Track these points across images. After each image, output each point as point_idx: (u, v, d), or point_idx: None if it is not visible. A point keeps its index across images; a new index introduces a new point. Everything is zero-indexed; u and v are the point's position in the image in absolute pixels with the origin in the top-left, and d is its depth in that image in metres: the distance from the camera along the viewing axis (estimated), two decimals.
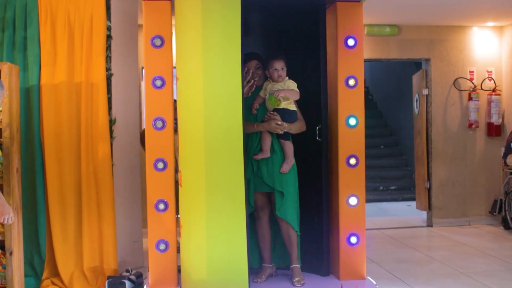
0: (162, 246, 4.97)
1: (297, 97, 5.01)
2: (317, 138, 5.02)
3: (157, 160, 4.93)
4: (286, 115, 4.99)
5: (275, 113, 4.98)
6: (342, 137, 5.06)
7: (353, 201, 5.11)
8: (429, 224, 8.85)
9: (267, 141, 5.00)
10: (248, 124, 5.01)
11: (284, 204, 4.95)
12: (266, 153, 4.98)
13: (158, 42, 4.92)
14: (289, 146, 5.01)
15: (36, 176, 5.70)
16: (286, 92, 4.96)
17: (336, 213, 5.11)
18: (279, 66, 5.01)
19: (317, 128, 5.03)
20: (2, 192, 4.71)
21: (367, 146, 6.05)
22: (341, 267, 5.07)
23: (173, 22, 4.89)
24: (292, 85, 5.02)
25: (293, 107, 5.02)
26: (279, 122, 4.94)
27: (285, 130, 4.96)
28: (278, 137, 5.01)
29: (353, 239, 5.11)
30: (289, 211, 4.96)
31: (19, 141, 5.27)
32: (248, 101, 5.09)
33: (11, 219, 4.33)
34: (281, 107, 4.96)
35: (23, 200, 5.46)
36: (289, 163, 4.97)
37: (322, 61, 5.00)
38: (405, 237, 8.04)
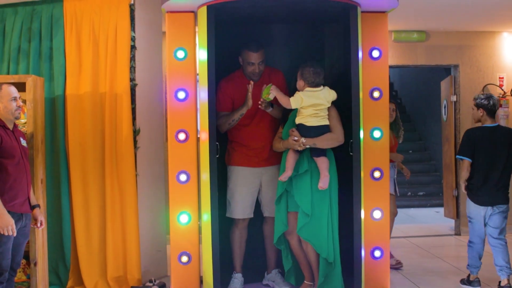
0: (184, 259, 4.98)
1: (285, 104, 4.83)
2: (350, 153, 4.85)
3: (180, 173, 4.94)
4: (303, 130, 4.80)
5: (293, 129, 4.84)
6: (366, 150, 4.99)
7: (377, 214, 5.06)
8: (457, 232, 8.72)
9: (290, 159, 4.82)
10: (279, 142, 5.00)
11: (309, 224, 4.79)
12: (288, 172, 4.80)
13: (181, 54, 4.94)
14: (321, 162, 4.79)
15: (61, 185, 5.74)
16: (278, 92, 4.83)
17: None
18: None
19: (350, 141, 4.86)
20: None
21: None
22: (365, 282, 5.00)
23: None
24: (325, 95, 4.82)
25: (312, 122, 4.79)
26: (295, 138, 4.76)
27: (309, 146, 4.76)
28: (312, 154, 4.82)
29: (377, 253, 5.06)
30: (314, 232, 4.80)
31: (44, 152, 5.32)
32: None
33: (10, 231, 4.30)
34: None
35: (48, 209, 5.51)
36: (324, 179, 4.72)
37: (354, 72, 4.82)
38: (432, 246, 7.93)
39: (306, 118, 4.79)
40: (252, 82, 4.95)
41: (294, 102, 4.78)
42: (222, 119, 5.12)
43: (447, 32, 8.61)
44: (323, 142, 4.80)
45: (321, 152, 4.81)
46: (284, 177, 4.81)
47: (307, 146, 4.76)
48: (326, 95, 4.79)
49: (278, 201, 4.96)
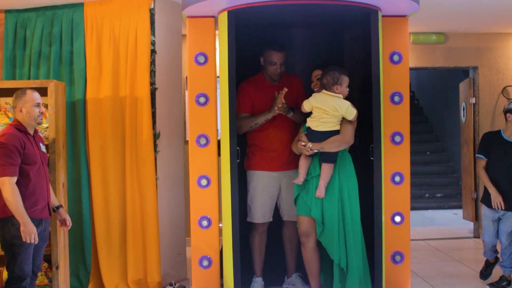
0: (205, 263, 4.99)
1: (301, 107, 4.84)
2: (371, 158, 4.81)
3: (201, 177, 4.95)
4: (310, 135, 4.76)
5: (303, 134, 4.82)
6: (386, 154, 4.97)
7: (397, 219, 5.05)
8: (476, 235, 8.68)
9: (302, 165, 4.81)
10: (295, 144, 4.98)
11: (324, 231, 4.75)
12: (300, 178, 4.81)
13: (201, 59, 4.95)
14: (324, 170, 4.72)
15: (82, 189, 5.78)
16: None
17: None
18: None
19: (370, 146, 4.82)
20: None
21: (412, 152, 6.02)
22: (385, 286, 4.99)
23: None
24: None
25: (319, 127, 4.72)
26: (303, 143, 4.73)
27: (316, 150, 4.69)
28: (320, 158, 4.75)
29: (398, 258, 5.05)
30: (329, 237, 4.74)
31: (65, 156, 5.36)
32: None
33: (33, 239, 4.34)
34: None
35: (69, 213, 5.53)
36: (320, 188, 4.69)
37: (375, 75, 4.77)
38: (451, 249, 7.90)
39: (314, 121, 4.75)
40: (285, 89, 4.88)
41: (305, 104, 4.78)
42: (242, 121, 5.12)
43: (466, 34, 8.56)
44: (330, 145, 4.70)
45: (328, 157, 4.73)
46: (297, 181, 4.83)
47: (315, 151, 4.71)
48: (339, 106, 4.68)
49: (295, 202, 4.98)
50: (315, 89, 4.95)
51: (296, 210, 4.96)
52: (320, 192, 4.70)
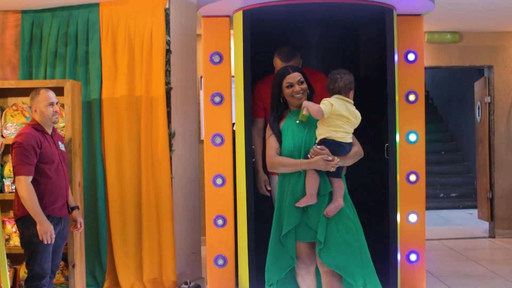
0: (220, 261, 5.01)
1: (315, 113, 4.04)
2: (386, 156, 4.73)
3: (216, 176, 4.97)
4: (337, 147, 4.08)
5: (323, 146, 4.05)
6: (402, 153, 4.96)
7: (413, 218, 5.04)
8: (491, 235, 8.64)
9: (313, 183, 4.05)
10: (290, 161, 4.15)
11: (328, 250, 4.03)
12: (313, 199, 4.04)
13: (217, 58, 4.96)
14: (339, 185, 4.10)
15: (98, 188, 5.82)
16: (308, 104, 4.08)
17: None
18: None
19: (386, 145, 4.73)
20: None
21: (427, 152, 6.00)
22: (400, 285, 4.98)
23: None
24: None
25: (345, 138, 4.11)
26: (330, 158, 4.03)
27: (339, 165, 4.09)
28: (328, 174, 4.09)
29: (413, 257, 5.05)
30: (339, 260, 4.03)
31: (81, 156, 5.39)
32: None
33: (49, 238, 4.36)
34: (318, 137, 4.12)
35: (85, 212, 5.58)
36: (336, 206, 4.06)
37: (390, 75, 4.70)
38: (466, 248, 7.87)
39: (339, 132, 4.10)
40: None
41: (326, 109, 4.04)
42: (254, 130, 4.94)
43: (481, 33, 8.52)
44: (351, 159, 4.20)
45: (339, 171, 4.16)
46: (304, 203, 4.09)
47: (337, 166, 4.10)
48: (357, 114, 4.19)
49: (286, 236, 4.16)
50: (297, 96, 4.20)
51: (296, 237, 4.17)
52: (334, 211, 4.07)
